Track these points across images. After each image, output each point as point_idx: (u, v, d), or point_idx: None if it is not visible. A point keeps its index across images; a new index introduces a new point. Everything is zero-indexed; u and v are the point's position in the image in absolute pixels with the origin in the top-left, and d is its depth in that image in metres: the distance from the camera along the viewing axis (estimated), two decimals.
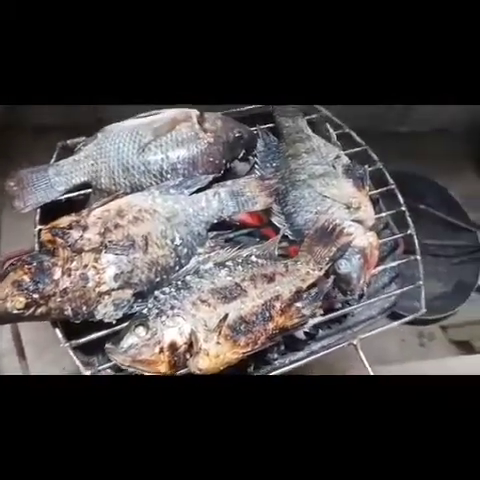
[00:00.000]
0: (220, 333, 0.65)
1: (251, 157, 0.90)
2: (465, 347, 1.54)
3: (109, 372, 0.71)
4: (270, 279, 0.72)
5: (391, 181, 0.94)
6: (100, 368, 0.69)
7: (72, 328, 0.70)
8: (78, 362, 0.70)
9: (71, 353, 0.70)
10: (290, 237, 0.82)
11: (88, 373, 0.68)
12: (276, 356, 0.80)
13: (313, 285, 0.75)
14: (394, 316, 0.94)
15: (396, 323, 0.86)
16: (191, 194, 0.78)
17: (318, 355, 0.79)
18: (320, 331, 0.87)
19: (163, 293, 0.69)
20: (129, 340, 0.64)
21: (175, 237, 0.73)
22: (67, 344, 0.69)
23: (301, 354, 0.82)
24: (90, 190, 0.80)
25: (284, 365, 0.79)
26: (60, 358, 0.67)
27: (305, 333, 0.83)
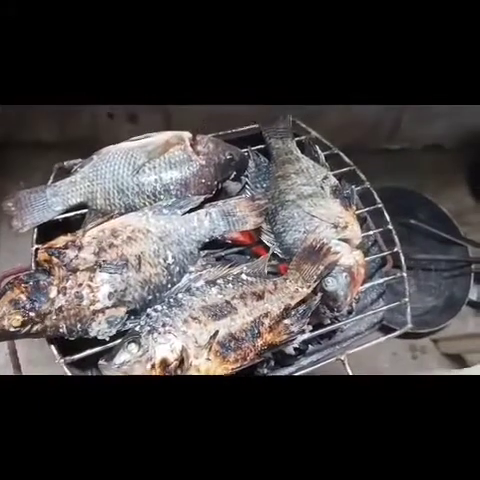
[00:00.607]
0: (210, 349, 0.67)
1: (242, 177, 0.92)
2: (457, 360, 1.56)
3: None
4: (259, 297, 0.74)
5: (378, 200, 0.96)
6: None
7: (67, 345, 0.72)
8: None
9: (65, 369, 0.72)
10: (279, 255, 0.84)
11: None
12: (266, 371, 0.82)
13: (301, 302, 0.77)
14: (385, 330, 0.97)
15: (383, 338, 0.88)
16: (183, 214, 0.79)
17: (307, 370, 0.81)
18: (310, 346, 0.89)
19: (155, 310, 0.71)
20: (122, 357, 0.66)
21: (167, 256, 0.75)
22: (62, 360, 0.71)
23: (290, 369, 0.84)
24: (86, 210, 0.82)
25: None
26: (54, 374, 0.69)
27: (295, 348, 0.85)
